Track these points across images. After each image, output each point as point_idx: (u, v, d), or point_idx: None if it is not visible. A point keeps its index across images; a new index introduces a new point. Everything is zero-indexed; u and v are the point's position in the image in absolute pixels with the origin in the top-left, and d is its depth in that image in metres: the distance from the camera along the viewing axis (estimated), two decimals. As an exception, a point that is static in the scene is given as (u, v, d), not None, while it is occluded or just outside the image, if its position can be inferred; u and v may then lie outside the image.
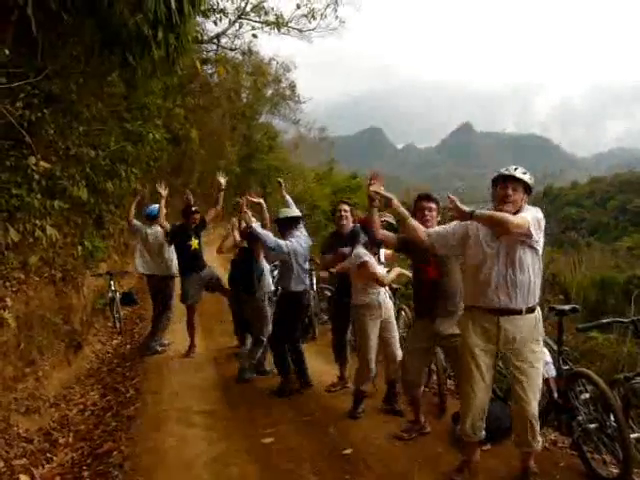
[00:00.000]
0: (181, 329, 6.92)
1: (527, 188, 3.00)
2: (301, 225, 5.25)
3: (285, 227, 5.08)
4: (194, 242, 6.47)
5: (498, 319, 2.98)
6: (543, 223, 2.98)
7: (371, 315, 4.33)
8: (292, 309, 5.09)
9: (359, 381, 4.43)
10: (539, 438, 3.11)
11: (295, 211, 5.27)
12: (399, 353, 4.39)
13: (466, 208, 2.84)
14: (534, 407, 2.99)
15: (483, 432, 3.21)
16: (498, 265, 2.94)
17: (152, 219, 6.90)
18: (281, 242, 4.85)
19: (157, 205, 7.10)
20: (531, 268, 2.95)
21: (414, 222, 3.32)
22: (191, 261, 6.46)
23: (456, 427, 3.35)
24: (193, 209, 6.62)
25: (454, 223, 3.21)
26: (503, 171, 3.01)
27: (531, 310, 3.00)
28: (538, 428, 3.06)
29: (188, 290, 6.47)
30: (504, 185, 2.97)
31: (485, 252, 2.99)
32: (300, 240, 5.03)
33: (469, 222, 3.05)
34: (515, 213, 2.91)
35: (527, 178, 2.97)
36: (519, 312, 2.97)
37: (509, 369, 3.10)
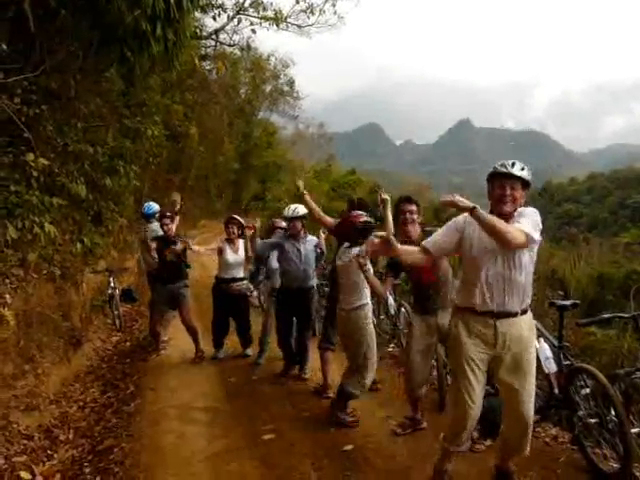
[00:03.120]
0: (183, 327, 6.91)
1: (525, 183, 2.77)
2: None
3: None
4: (169, 254, 6.12)
5: (495, 322, 2.80)
6: (540, 224, 2.77)
7: (366, 318, 4.26)
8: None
9: (353, 384, 4.24)
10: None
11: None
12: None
13: (468, 202, 2.60)
14: (532, 413, 2.88)
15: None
16: (496, 267, 2.76)
17: (149, 217, 6.89)
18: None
19: (154, 203, 7.08)
20: (528, 269, 2.80)
21: (406, 249, 3.04)
22: (162, 273, 6.22)
23: (442, 435, 3.12)
24: (167, 214, 6.31)
25: (447, 226, 2.97)
26: (499, 168, 2.75)
27: (525, 311, 2.85)
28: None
29: (156, 300, 6.38)
30: (501, 184, 2.74)
31: (482, 254, 2.78)
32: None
33: (463, 222, 2.86)
34: (514, 211, 2.75)
35: (525, 174, 2.74)
36: (515, 314, 2.80)
37: (501, 375, 2.87)
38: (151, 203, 7.13)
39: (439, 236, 2.95)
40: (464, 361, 2.87)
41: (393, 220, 3.98)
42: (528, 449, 2.97)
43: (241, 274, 6.37)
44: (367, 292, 4.21)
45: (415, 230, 3.84)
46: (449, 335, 3.56)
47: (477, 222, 2.63)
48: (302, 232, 5.29)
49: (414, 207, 3.85)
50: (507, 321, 2.80)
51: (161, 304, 6.29)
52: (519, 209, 2.79)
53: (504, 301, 2.78)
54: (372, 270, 4.02)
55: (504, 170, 2.73)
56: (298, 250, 5.23)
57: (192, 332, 6.37)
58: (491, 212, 2.79)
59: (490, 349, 2.84)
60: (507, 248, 2.68)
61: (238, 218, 6.38)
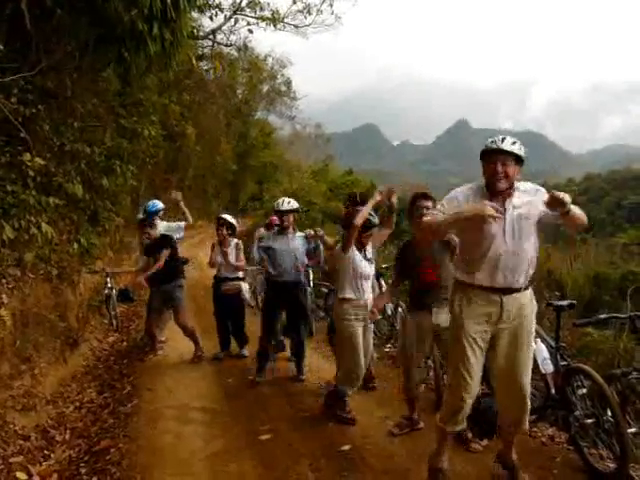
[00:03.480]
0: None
1: (518, 159, 2.70)
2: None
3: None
4: (156, 257, 6.13)
5: (501, 298, 2.75)
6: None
7: (356, 314, 4.19)
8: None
9: (346, 383, 4.28)
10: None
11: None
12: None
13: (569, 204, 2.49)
14: (529, 384, 2.87)
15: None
16: (505, 242, 2.69)
17: (154, 215, 6.89)
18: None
19: (158, 201, 7.08)
20: (534, 243, 2.77)
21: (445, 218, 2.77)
22: (155, 276, 6.17)
23: (437, 417, 3.10)
24: (145, 222, 6.31)
25: (449, 201, 2.84)
26: (489, 144, 2.70)
27: (528, 286, 2.82)
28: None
29: (151, 301, 6.38)
30: (493, 161, 2.68)
31: (489, 228, 2.68)
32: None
33: (463, 197, 2.80)
34: (509, 188, 2.71)
35: (517, 149, 2.68)
36: (519, 289, 2.77)
37: (500, 347, 2.83)
38: (155, 201, 7.12)
39: (438, 209, 2.83)
40: (464, 339, 2.82)
41: (408, 216, 3.93)
42: (527, 424, 2.98)
43: (233, 274, 6.33)
44: (349, 287, 4.16)
45: None
46: (444, 333, 3.57)
47: (570, 220, 2.58)
48: (293, 226, 5.24)
49: (430, 203, 3.78)
50: (512, 296, 2.77)
51: (156, 305, 6.27)
52: (521, 184, 2.78)
53: (512, 276, 2.74)
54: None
55: (494, 146, 2.69)
56: (287, 244, 5.16)
57: (189, 333, 6.35)
58: (487, 190, 2.77)
59: (492, 326, 2.81)
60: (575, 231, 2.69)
61: (226, 218, 6.33)
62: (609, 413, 3.10)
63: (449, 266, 3.73)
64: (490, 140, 2.74)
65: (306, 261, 5.31)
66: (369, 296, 4.26)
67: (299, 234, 5.32)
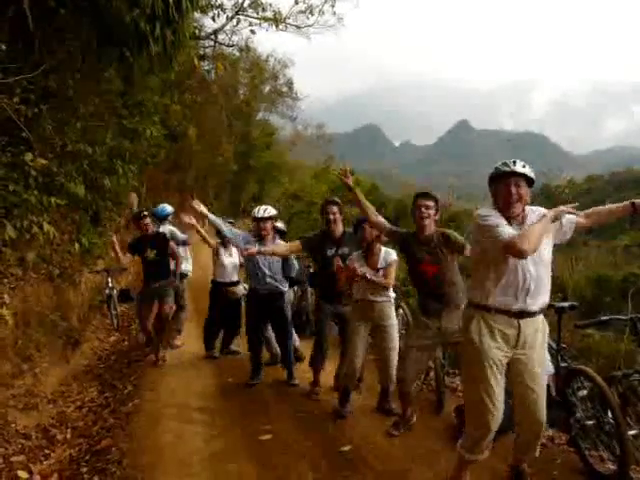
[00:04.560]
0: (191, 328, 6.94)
1: (529, 181, 2.68)
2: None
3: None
4: (150, 253, 6.09)
5: (519, 322, 2.69)
6: None
7: (359, 314, 4.33)
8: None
9: (343, 379, 4.44)
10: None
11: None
12: (394, 369, 4.27)
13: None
14: (544, 412, 2.82)
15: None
16: (527, 264, 2.62)
17: (162, 219, 6.89)
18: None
19: (167, 205, 7.09)
20: (549, 265, 2.73)
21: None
22: (147, 273, 6.18)
23: (459, 445, 3.00)
24: (142, 214, 6.24)
25: (496, 214, 2.69)
26: (501, 167, 2.68)
27: (542, 310, 2.78)
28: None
29: (141, 298, 6.38)
30: (506, 184, 2.65)
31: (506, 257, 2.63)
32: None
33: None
34: (523, 211, 2.67)
35: (528, 171, 2.66)
36: (535, 313, 2.72)
37: (516, 374, 2.78)
38: (165, 205, 7.14)
39: (503, 221, 2.65)
40: (486, 364, 2.72)
41: (412, 215, 3.86)
42: (538, 451, 2.96)
43: (236, 277, 6.41)
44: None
45: (431, 226, 3.72)
46: (453, 336, 3.52)
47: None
48: (272, 235, 5.11)
49: (431, 202, 3.74)
50: (530, 320, 2.72)
51: (146, 302, 6.22)
52: (531, 208, 2.74)
53: (532, 300, 2.69)
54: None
55: (507, 169, 2.66)
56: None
57: (161, 327, 6.23)
58: (499, 213, 2.69)
59: (510, 350, 2.74)
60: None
61: (232, 222, 6.37)
62: (610, 415, 3.10)
63: (454, 266, 3.73)
64: (501, 163, 2.71)
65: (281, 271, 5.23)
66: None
67: (279, 241, 5.23)
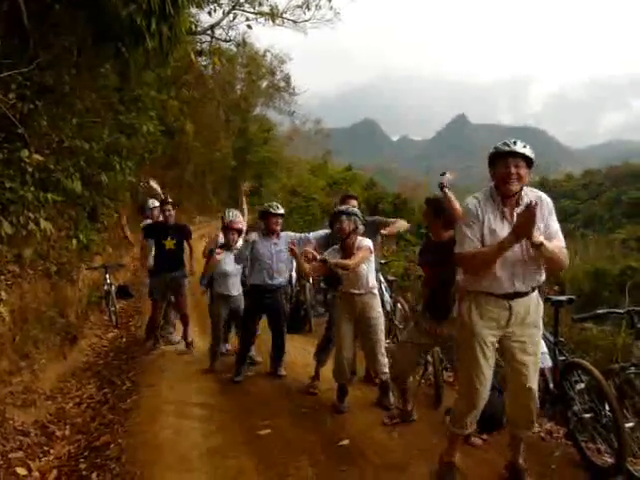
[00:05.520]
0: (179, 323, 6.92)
1: (529, 161, 2.71)
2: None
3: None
4: (169, 242, 6.15)
5: (510, 303, 2.79)
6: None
7: (343, 308, 4.34)
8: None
9: (336, 376, 4.43)
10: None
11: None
12: (383, 359, 4.30)
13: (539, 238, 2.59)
14: (536, 387, 2.91)
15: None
16: (513, 251, 2.69)
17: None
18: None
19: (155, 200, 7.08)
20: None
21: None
22: (162, 261, 6.21)
23: (447, 419, 3.15)
24: (169, 200, 6.30)
25: (468, 222, 2.82)
26: (501, 147, 2.72)
27: (534, 288, 2.85)
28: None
29: (153, 288, 6.40)
30: (505, 163, 2.69)
31: (498, 238, 2.70)
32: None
33: (476, 210, 2.78)
34: (521, 190, 2.72)
35: (528, 152, 2.69)
36: (527, 293, 2.80)
37: (508, 350, 2.87)
38: (154, 200, 7.13)
39: (470, 235, 2.79)
40: (475, 343, 2.84)
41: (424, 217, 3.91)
42: (536, 425, 3.04)
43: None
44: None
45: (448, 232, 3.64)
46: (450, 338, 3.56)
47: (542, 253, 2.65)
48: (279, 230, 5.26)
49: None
50: (521, 300, 2.80)
51: (160, 292, 6.30)
52: (528, 190, 2.78)
53: (521, 282, 2.77)
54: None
55: (507, 148, 2.70)
56: (271, 247, 5.17)
57: (185, 320, 6.43)
58: (496, 191, 2.78)
59: (501, 329, 2.84)
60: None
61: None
62: (607, 408, 3.11)
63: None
64: (501, 143, 2.74)
65: (287, 264, 5.36)
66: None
67: (285, 234, 5.29)
